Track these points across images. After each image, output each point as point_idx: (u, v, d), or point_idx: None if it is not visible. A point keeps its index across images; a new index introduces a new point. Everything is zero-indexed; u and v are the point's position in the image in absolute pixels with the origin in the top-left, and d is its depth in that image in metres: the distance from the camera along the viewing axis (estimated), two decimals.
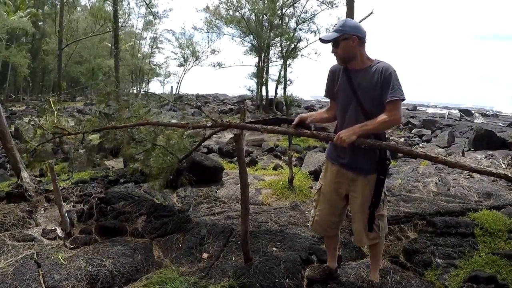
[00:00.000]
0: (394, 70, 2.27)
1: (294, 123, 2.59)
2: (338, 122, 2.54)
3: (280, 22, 24.93)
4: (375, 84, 2.29)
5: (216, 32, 30.95)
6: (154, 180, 3.91)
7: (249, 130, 2.78)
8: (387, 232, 2.56)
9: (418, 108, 41.41)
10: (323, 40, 2.38)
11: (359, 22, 4.41)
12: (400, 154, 7.31)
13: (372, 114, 2.31)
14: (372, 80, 2.31)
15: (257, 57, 27.11)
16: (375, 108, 2.30)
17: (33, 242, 3.35)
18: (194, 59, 38.57)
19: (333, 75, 2.54)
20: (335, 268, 2.87)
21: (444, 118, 26.80)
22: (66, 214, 3.70)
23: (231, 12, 26.39)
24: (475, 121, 24.58)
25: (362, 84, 2.35)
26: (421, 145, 13.36)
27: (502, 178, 2.27)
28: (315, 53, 25.52)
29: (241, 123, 2.79)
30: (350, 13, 4.43)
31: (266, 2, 23.99)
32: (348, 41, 2.31)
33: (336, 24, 2.42)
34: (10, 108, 24.68)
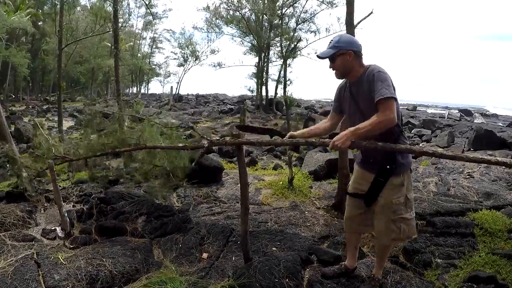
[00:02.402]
0: (379, 71, 2.27)
1: (285, 138, 2.65)
2: None
3: (280, 22, 24.91)
4: (368, 90, 2.32)
5: (216, 32, 30.94)
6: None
7: (245, 145, 2.81)
8: (414, 235, 2.58)
9: (418, 108, 41.42)
10: (320, 57, 2.44)
11: (359, 22, 4.42)
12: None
13: None
14: (365, 87, 2.35)
15: (257, 57, 27.13)
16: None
17: (33, 242, 3.35)
18: (194, 59, 38.52)
19: (339, 93, 2.64)
20: (353, 268, 2.89)
21: (444, 118, 26.82)
22: (66, 214, 3.69)
23: (231, 12, 26.41)
24: (475, 121, 24.61)
25: (360, 94, 2.41)
26: (420, 145, 13.37)
27: (500, 165, 2.27)
28: (315, 53, 25.42)
29: (236, 139, 2.80)
30: (350, 13, 4.42)
31: (266, 2, 23.98)
32: (344, 56, 2.38)
33: (331, 40, 2.46)
34: (10, 108, 24.69)
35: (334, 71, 2.47)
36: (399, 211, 2.46)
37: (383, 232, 2.53)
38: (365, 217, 2.65)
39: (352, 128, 2.26)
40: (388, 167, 2.39)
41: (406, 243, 3.50)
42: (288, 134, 2.66)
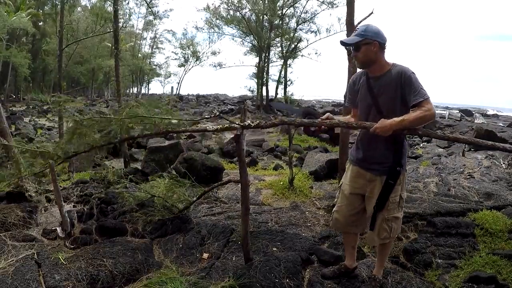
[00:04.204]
0: (413, 72, 2.30)
1: (323, 117, 2.58)
2: (358, 134, 2.62)
3: (281, 22, 24.95)
4: (395, 89, 2.33)
5: (216, 33, 30.96)
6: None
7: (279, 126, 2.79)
8: (399, 233, 2.62)
9: None
10: (344, 43, 2.42)
11: (359, 22, 4.42)
12: None
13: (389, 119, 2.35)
14: (391, 85, 2.34)
15: (258, 57, 27.14)
16: (394, 114, 2.33)
17: (34, 242, 3.35)
18: (195, 60, 38.55)
19: (354, 84, 2.60)
20: (353, 267, 2.88)
21: (445, 118, 26.77)
22: (66, 214, 3.69)
23: (231, 12, 26.44)
24: (476, 121, 24.56)
25: (382, 90, 2.39)
26: (421, 145, 13.36)
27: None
28: (316, 53, 25.63)
29: (269, 121, 2.73)
30: (350, 13, 4.42)
31: (266, 2, 24.01)
32: (369, 46, 2.34)
33: (358, 28, 2.43)
34: (11, 108, 24.71)
35: (356, 60, 2.45)
36: (393, 210, 2.49)
37: (375, 231, 2.54)
38: (358, 217, 2.66)
39: (397, 119, 2.24)
40: (398, 168, 2.41)
41: (407, 243, 3.50)
42: (327, 114, 2.59)
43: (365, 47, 2.35)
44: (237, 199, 4.83)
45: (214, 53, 35.95)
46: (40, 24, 33.66)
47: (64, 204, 3.82)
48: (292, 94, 24.24)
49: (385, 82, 2.37)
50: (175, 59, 42.03)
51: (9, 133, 5.27)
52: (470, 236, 3.56)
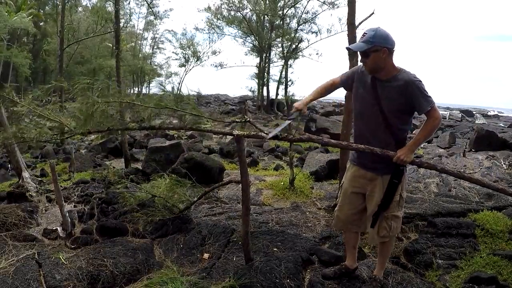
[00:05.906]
0: (419, 80, 2.31)
1: (292, 112, 2.60)
2: (354, 128, 2.62)
3: (281, 22, 24.95)
4: (399, 96, 2.33)
5: (217, 33, 30.92)
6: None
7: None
8: (398, 232, 2.76)
9: None
10: (351, 50, 2.39)
11: (361, 22, 4.42)
12: None
13: (394, 124, 2.40)
14: (396, 91, 2.34)
15: (258, 58, 27.14)
16: (398, 119, 2.39)
17: (34, 242, 3.36)
18: (196, 60, 38.48)
19: (353, 73, 2.57)
20: (354, 267, 2.88)
21: (445, 118, 26.74)
22: (67, 214, 3.70)
23: (232, 13, 26.45)
24: (476, 121, 24.55)
25: (387, 95, 2.37)
26: (422, 145, 13.35)
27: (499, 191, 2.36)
28: (316, 54, 25.59)
29: (294, 136, 2.74)
30: (351, 13, 4.42)
31: (267, 2, 24.01)
32: (378, 53, 2.29)
33: (365, 33, 2.34)
34: (11, 108, 24.73)
35: (364, 66, 2.42)
36: (392, 209, 2.50)
37: (375, 230, 2.55)
38: (359, 216, 2.67)
39: (411, 142, 2.37)
40: (401, 167, 2.43)
41: (407, 244, 3.50)
42: (294, 107, 2.60)
43: (374, 54, 2.29)
44: (238, 199, 4.84)
45: (214, 53, 35.86)
46: (41, 24, 33.66)
47: (64, 204, 3.83)
48: (293, 95, 24.24)
49: (390, 87, 2.35)
50: (176, 59, 41.93)
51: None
52: (470, 236, 3.56)
